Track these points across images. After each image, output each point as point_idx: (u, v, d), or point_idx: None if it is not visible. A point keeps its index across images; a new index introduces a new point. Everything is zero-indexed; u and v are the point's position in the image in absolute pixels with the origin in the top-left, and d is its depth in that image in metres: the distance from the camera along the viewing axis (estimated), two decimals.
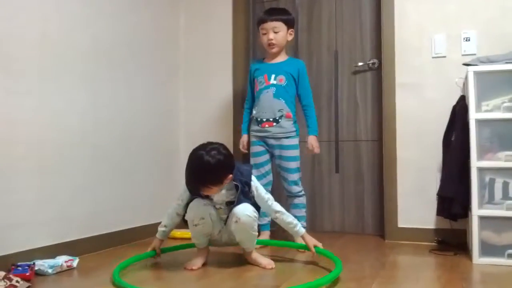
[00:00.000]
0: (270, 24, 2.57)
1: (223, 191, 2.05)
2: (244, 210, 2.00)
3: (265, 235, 2.62)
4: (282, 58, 2.65)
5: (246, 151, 2.73)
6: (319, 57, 3.14)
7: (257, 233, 2.09)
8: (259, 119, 2.62)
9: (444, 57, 2.68)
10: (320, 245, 2.15)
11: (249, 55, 3.24)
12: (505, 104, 2.17)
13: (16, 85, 2.08)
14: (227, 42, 3.23)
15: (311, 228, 2.37)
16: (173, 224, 2.19)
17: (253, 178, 2.12)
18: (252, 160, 2.65)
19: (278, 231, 2.68)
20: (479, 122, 2.20)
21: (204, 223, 2.04)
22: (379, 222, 2.90)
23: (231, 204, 2.05)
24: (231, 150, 2.14)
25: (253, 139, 2.67)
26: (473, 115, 2.21)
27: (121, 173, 2.69)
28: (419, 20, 2.74)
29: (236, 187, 2.04)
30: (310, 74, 2.70)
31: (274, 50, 2.61)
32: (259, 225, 2.25)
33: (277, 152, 2.60)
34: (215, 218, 2.06)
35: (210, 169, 1.91)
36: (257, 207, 2.09)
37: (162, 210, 2.24)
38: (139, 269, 2.09)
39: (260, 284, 1.87)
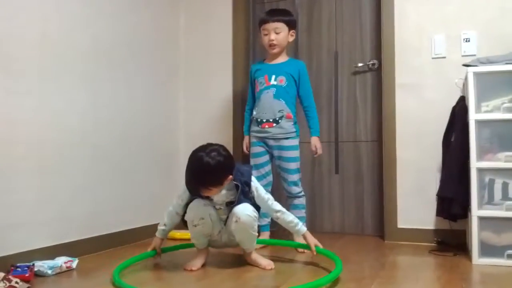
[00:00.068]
0: (272, 25, 2.57)
1: (223, 191, 2.05)
2: (244, 210, 2.00)
3: (265, 236, 2.62)
4: (282, 59, 2.65)
5: (248, 152, 2.73)
6: (319, 58, 3.14)
7: (257, 234, 2.09)
8: (259, 120, 2.62)
9: (444, 57, 2.68)
10: (320, 245, 2.15)
11: (249, 55, 3.25)
12: (505, 105, 2.17)
13: (16, 85, 2.08)
14: (227, 42, 3.23)
15: (311, 229, 2.37)
16: (173, 224, 2.19)
17: (253, 178, 2.13)
18: (252, 161, 2.65)
19: (278, 232, 2.69)
20: (479, 122, 2.20)
21: (203, 223, 2.04)
22: (379, 222, 2.90)
23: (231, 204, 2.05)
24: (231, 151, 2.14)
25: (253, 140, 2.67)
26: (473, 116, 2.21)
27: (121, 173, 2.69)
28: (419, 20, 2.75)
29: (236, 187, 2.04)
30: (310, 74, 2.69)
31: (275, 50, 2.61)
32: (259, 226, 2.25)
33: (276, 152, 2.60)
34: (215, 219, 2.06)
35: (210, 170, 1.92)
36: (257, 207, 2.09)
37: (162, 210, 2.23)
38: (139, 270, 2.09)
39: (260, 284, 1.87)
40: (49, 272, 1.97)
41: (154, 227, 2.26)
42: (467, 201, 2.28)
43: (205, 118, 3.27)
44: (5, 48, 2.04)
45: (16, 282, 1.73)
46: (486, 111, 2.21)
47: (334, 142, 3.07)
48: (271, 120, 2.58)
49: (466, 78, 2.30)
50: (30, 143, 2.14)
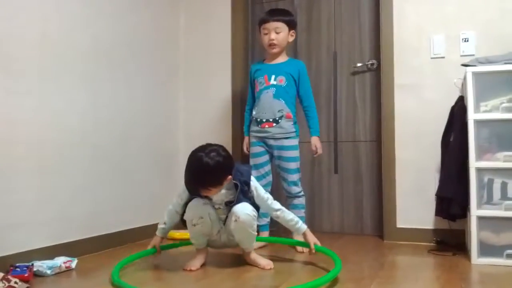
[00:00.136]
0: (272, 24, 2.58)
1: (223, 191, 2.05)
2: (244, 209, 2.00)
3: (265, 235, 2.62)
4: (282, 59, 2.66)
5: (248, 153, 2.73)
6: (318, 58, 3.14)
7: (256, 233, 2.09)
8: (259, 120, 2.62)
9: (443, 57, 2.69)
10: (319, 244, 2.16)
11: (248, 56, 3.25)
12: (503, 105, 2.18)
13: (16, 85, 2.09)
14: (226, 42, 3.24)
15: (310, 229, 2.37)
16: (173, 222, 2.20)
17: (252, 178, 2.13)
18: (252, 161, 2.65)
19: (277, 232, 2.69)
20: (478, 122, 2.21)
21: (203, 223, 2.04)
22: (378, 222, 2.90)
23: (230, 204, 2.05)
24: (230, 151, 2.15)
25: (252, 140, 2.67)
26: (472, 116, 2.21)
27: (121, 173, 2.69)
28: (418, 20, 2.75)
29: (236, 186, 2.04)
30: (309, 74, 2.70)
31: (275, 50, 2.61)
32: (258, 226, 2.26)
33: (276, 152, 2.60)
34: (214, 218, 2.07)
35: (209, 170, 1.92)
36: (256, 207, 2.09)
37: (162, 210, 2.24)
38: (138, 270, 2.10)
39: (259, 284, 1.87)
40: (48, 272, 1.97)
41: (154, 227, 2.26)
42: (466, 201, 2.28)
43: (204, 118, 3.28)
44: (5, 48, 2.04)
45: (15, 282, 1.73)
46: (485, 111, 2.22)
47: (333, 142, 3.08)
48: (271, 120, 2.58)
49: (465, 78, 2.30)
50: (30, 143, 2.14)
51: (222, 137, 3.07)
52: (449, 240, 2.53)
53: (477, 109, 2.22)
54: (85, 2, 2.48)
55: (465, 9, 2.65)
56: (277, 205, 2.15)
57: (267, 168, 2.65)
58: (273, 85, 2.59)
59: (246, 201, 2.04)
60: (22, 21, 2.12)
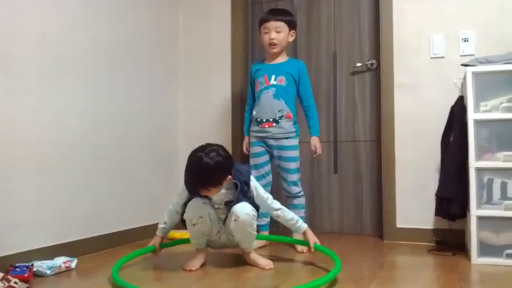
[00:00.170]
0: (273, 24, 2.58)
1: (222, 191, 2.05)
2: (243, 208, 2.00)
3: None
4: (282, 59, 2.66)
5: (248, 153, 2.74)
6: (318, 58, 3.14)
7: (256, 233, 2.09)
8: (259, 120, 2.62)
9: (443, 57, 2.69)
10: (319, 243, 2.16)
11: (248, 56, 3.25)
12: (503, 105, 2.18)
13: (16, 85, 2.09)
14: (226, 42, 3.24)
15: (310, 229, 2.38)
16: (173, 222, 2.20)
17: (252, 178, 2.13)
18: (252, 161, 2.65)
19: (277, 232, 2.69)
20: (477, 122, 2.21)
21: (202, 222, 2.04)
22: (378, 222, 2.91)
23: (229, 204, 2.05)
24: (230, 151, 2.15)
25: (252, 140, 2.67)
26: (471, 116, 2.21)
27: (121, 173, 2.70)
28: (417, 20, 2.75)
29: (236, 186, 2.04)
30: (309, 74, 2.69)
31: (275, 50, 2.61)
32: (258, 226, 2.26)
33: (276, 152, 2.60)
34: (213, 218, 2.07)
35: (209, 170, 1.92)
36: (256, 207, 2.09)
37: (162, 210, 2.24)
38: (138, 270, 2.10)
39: (259, 284, 1.87)
40: (48, 272, 1.97)
41: (153, 227, 2.26)
42: (466, 201, 2.28)
43: (204, 118, 3.28)
44: (5, 48, 2.04)
45: (15, 282, 1.73)
46: (485, 111, 2.22)
47: (333, 141, 3.08)
48: (271, 120, 2.58)
49: (464, 78, 2.30)
50: (30, 143, 2.14)
51: (222, 137, 3.07)
52: (449, 240, 2.53)
53: (476, 109, 2.22)
54: (85, 2, 2.48)
55: (465, 9, 2.65)
56: (277, 204, 2.15)
57: (267, 168, 2.65)
58: (273, 85, 2.59)
59: (246, 201, 2.04)
60: (22, 21, 2.12)
